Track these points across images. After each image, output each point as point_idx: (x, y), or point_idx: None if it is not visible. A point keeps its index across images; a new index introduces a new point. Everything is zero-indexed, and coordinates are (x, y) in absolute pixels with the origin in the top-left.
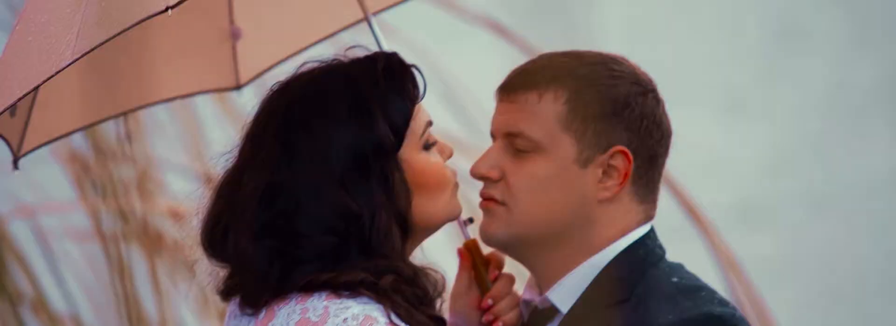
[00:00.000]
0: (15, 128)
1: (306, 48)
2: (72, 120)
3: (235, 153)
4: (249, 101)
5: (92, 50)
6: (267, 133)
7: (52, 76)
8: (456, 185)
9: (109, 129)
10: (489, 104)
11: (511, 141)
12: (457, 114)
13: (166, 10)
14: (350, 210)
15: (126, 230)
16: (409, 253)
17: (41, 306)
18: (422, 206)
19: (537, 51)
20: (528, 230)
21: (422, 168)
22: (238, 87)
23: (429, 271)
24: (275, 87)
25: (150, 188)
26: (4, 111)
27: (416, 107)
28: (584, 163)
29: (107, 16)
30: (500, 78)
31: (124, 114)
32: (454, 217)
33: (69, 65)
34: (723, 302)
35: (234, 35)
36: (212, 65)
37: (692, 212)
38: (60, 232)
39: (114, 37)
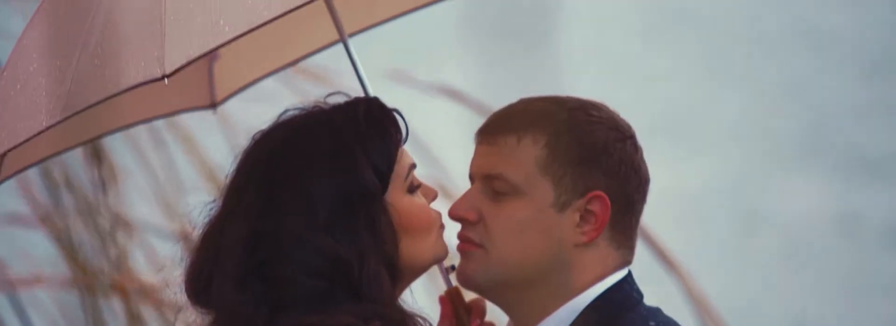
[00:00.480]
0: None
1: (282, 68)
2: (48, 145)
3: (218, 203)
4: (221, 150)
5: (84, 109)
6: (250, 182)
7: (42, 132)
8: (442, 227)
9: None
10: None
11: (490, 183)
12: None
13: (163, 78)
14: (338, 255)
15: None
16: (397, 297)
17: None
18: (409, 249)
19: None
20: (506, 273)
21: (407, 210)
22: (213, 106)
23: (417, 318)
24: (256, 136)
25: (123, 240)
26: None
27: (400, 150)
28: (562, 207)
29: (100, 75)
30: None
31: (102, 136)
32: (441, 258)
33: (58, 122)
34: None
35: (212, 57)
36: (188, 86)
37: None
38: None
39: (106, 99)
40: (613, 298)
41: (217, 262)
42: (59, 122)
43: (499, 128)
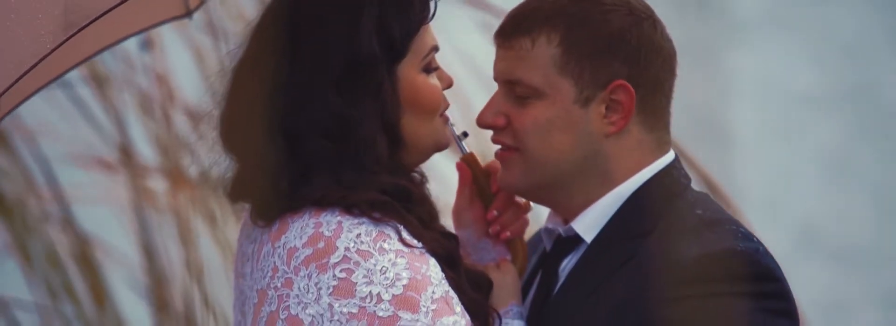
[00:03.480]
0: None
1: None
2: (49, 71)
3: (244, 46)
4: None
5: (87, 25)
6: (274, 29)
7: (48, 54)
8: (446, 117)
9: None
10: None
11: (511, 88)
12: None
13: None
14: (341, 114)
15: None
16: (405, 174)
17: None
18: (411, 126)
19: None
20: (545, 172)
21: (416, 86)
22: (189, 14)
23: (424, 188)
24: None
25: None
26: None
27: (424, 28)
28: (585, 102)
29: None
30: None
31: (87, 60)
32: (443, 145)
33: (65, 41)
34: (747, 237)
35: None
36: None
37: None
38: None
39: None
40: (660, 183)
41: (242, 111)
42: (65, 41)
43: (513, 31)
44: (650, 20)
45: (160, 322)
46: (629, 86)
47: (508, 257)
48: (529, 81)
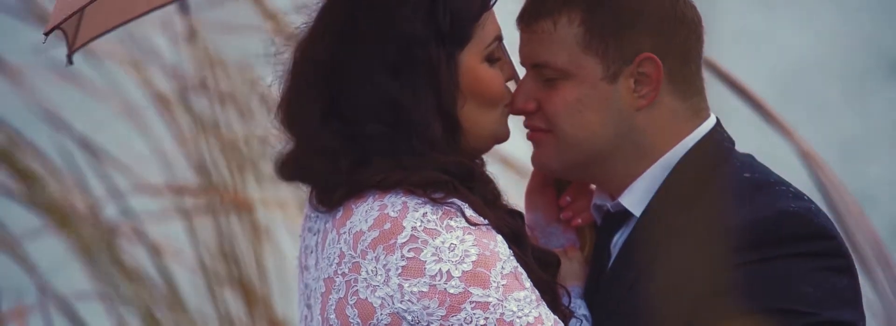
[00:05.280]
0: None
1: None
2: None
3: (308, 24)
4: None
5: None
6: (334, 8)
7: None
8: (508, 109)
9: None
10: None
11: (538, 71)
12: None
13: None
14: (395, 98)
15: None
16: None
17: None
18: (470, 115)
19: None
20: (579, 151)
21: (476, 75)
22: None
23: (486, 173)
24: None
25: None
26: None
27: (488, 16)
28: (613, 78)
29: None
30: None
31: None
32: (501, 138)
33: None
34: (798, 196)
35: None
36: None
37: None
38: None
39: None
40: (703, 151)
41: (300, 91)
42: None
43: (534, 14)
44: None
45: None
46: (655, 57)
47: (577, 244)
48: (555, 63)
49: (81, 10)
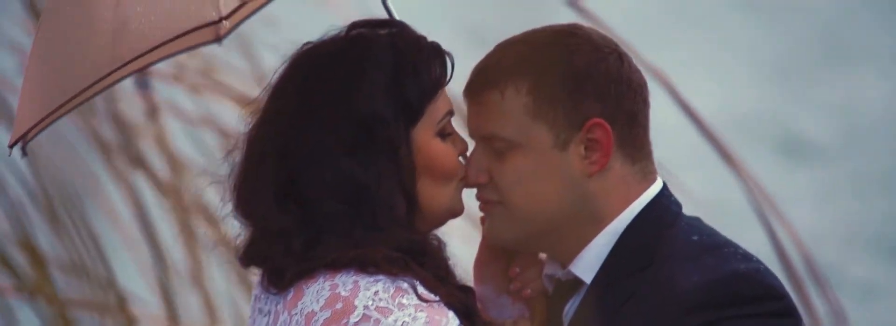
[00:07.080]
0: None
1: None
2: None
3: (260, 107)
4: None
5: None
6: (289, 91)
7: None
8: (462, 182)
9: None
10: None
11: (488, 143)
12: None
13: (220, 20)
14: (357, 178)
15: None
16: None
17: None
18: (426, 190)
19: None
20: (531, 222)
21: (430, 151)
22: (219, 40)
23: (439, 243)
24: (304, 47)
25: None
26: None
27: (440, 92)
28: (563, 145)
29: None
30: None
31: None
32: (456, 212)
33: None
34: (747, 257)
35: None
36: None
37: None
38: None
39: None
40: (651, 216)
41: (254, 174)
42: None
43: (481, 85)
44: (615, 54)
45: None
46: (605, 123)
47: (527, 315)
48: (504, 134)
49: (52, 119)
